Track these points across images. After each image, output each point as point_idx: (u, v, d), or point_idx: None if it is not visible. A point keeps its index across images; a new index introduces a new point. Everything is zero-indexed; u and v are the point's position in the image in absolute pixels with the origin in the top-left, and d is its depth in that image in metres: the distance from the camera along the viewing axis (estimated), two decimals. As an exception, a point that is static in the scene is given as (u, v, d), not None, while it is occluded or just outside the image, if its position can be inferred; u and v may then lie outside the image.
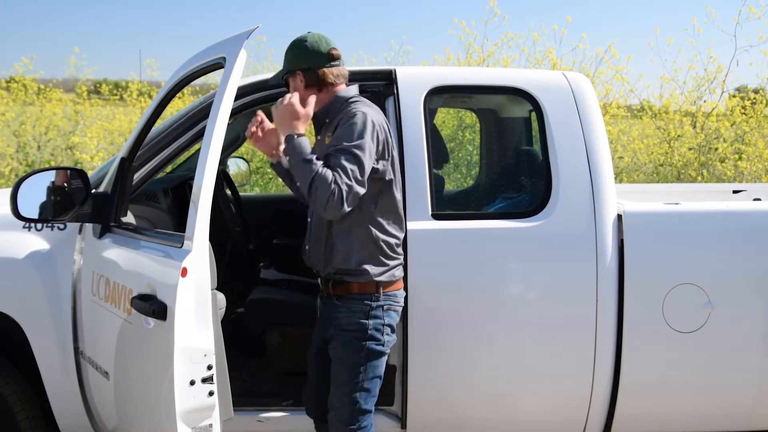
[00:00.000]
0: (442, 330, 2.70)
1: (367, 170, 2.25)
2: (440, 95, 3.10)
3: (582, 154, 2.78)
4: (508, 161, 4.46)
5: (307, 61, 2.38)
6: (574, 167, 2.77)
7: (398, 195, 2.44)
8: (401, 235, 2.46)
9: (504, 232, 2.73)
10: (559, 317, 2.72)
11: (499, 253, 2.73)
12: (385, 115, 2.84)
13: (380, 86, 2.89)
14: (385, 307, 2.41)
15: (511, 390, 2.79)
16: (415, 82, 2.86)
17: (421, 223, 2.69)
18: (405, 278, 2.56)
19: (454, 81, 3.02)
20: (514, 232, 2.72)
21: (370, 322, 2.39)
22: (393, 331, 2.46)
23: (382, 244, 2.38)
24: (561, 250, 2.74)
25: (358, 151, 2.22)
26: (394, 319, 2.46)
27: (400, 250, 2.46)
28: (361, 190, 2.23)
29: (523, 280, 2.74)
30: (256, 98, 2.83)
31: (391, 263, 2.41)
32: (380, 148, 2.32)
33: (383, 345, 2.42)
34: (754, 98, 8.25)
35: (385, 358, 2.45)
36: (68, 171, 2.61)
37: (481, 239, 2.72)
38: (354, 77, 2.93)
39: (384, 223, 2.39)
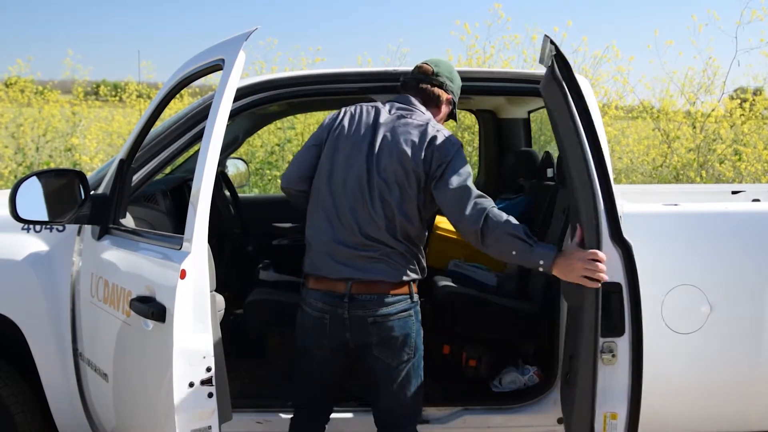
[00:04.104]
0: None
1: (294, 164, 2.51)
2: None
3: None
4: (506, 162, 4.47)
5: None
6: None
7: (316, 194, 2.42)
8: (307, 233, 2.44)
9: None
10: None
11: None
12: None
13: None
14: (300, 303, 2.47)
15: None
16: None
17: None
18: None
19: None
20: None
21: None
22: (300, 334, 2.48)
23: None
24: (560, 251, 2.73)
25: None
26: (300, 317, 2.48)
27: (311, 242, 2.41)
28: (282, 183, 2.52)
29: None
30: (256, 99, 2.83)
31: (307, 254, 2.44)
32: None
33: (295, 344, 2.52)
34: (753, 100, 8.27)
35: (298, 358, 2.53)
36: (67, 173, 2.60)
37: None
38: (353, 78, 2.94)
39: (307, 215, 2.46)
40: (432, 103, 2.49)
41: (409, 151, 2.30)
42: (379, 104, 2.46)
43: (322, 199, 2.36)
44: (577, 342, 2.30)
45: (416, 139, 2.32)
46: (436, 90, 2.49)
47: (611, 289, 2.23)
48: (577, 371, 2.27)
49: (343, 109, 2.46)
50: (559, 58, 2.20)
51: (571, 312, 2.50)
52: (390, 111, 2.42)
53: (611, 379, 2.27)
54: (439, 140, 2.32)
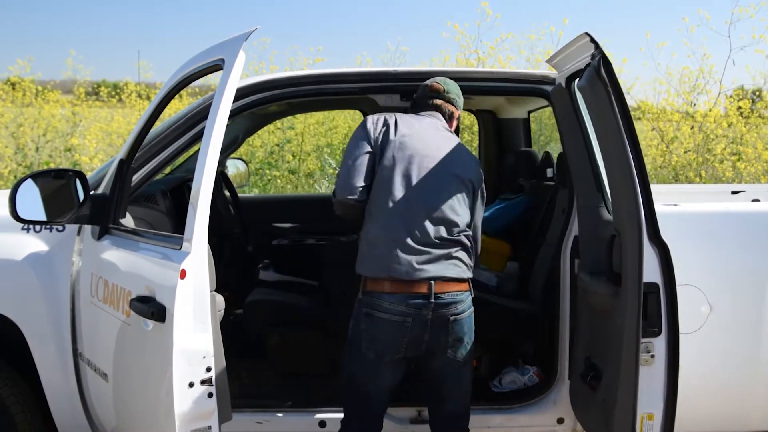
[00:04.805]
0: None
1: (353, 173, 2.36)
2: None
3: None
4: (506, 162, 4.47)
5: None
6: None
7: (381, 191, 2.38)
8: (375, 231, 2.36)
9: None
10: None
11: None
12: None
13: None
14: (364, 310, 2.36)
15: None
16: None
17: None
18: None
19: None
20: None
21: (351, 323, 2.41)
22: (373, 342, 2.33)
23: (362, 238, 2.40)
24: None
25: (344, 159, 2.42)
26: (369, 324, 2.33)
27: (378, 244, 2.34)
28: (341, 195, 2.36)
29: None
30: (256, 99, 2.84)
31: (369, 257, 2.37)
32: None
33: (355, 353, 2.37)
34: (752, 102, 8.27)
35: (365, 367, 2.36)
36: (67, 172, 2.60)
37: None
38: (353, 78, 2.95)
39: (367, 218, 2.40)
40: (445, 117, 2.56)
41: (470, 161, 2.48)
42: (414, 116, 2.51)
43: (390, 204, 2.34)
44: (613, 344, 2.29)
45: (469, 151, 2.52)
46: (450, 107, 2.57)
47: (648, 289, 2.23)
48: (617, 373, 2.26)
49: (376, 119, 2.44)
50: (604, 58, 2.20)
51: (592, 313, 2.50)
52: (429, 123, 2.49)
53: (648, 379, 2.26)
54: (476, 159, 2.55)
